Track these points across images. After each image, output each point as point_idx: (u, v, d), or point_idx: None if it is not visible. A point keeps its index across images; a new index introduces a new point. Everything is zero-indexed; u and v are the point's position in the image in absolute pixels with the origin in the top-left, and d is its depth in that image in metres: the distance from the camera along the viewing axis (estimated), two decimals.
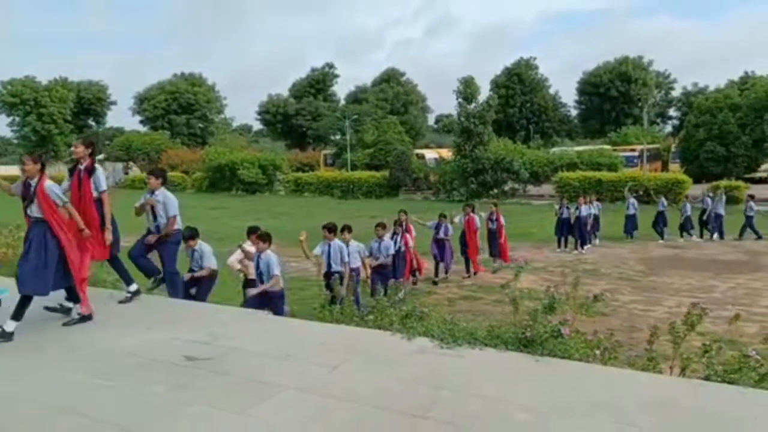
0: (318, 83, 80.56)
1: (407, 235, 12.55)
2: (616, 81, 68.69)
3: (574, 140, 67.69)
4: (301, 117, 76.26)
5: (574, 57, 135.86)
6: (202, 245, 8.31)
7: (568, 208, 17.73)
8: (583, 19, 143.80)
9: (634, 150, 40.35)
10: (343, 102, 78.97)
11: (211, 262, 8.25)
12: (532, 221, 23.32)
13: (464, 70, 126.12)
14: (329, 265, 9.09)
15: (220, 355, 4.97)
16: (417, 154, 44.68)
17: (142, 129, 70.96)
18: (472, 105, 34.91)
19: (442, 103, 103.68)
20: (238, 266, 8.50)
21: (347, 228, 9.80)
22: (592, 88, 71.03)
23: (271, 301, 7.29)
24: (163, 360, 4.88)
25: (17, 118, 66.07)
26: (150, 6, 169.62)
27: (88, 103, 73.70)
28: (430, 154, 46.38)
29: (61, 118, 66.83)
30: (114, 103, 77.10)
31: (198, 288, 8.15)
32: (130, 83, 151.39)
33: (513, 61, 74.39)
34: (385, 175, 38.36)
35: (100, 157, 62.49)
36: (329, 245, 9.13)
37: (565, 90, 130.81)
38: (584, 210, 17.47)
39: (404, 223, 12.51)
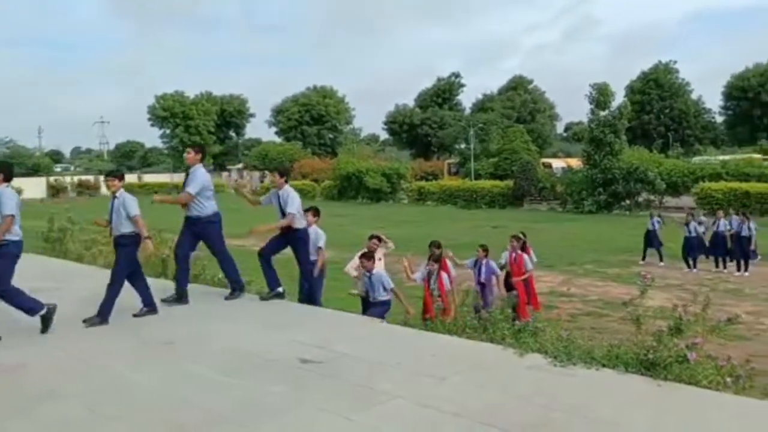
0: (444, 93, 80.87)
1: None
2: (767, 85, 62.71)
3: (720, 148, 62.57)
4: (426, 126, 76.94)
5: (721, 59, 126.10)
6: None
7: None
8: (730, 19, 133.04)
9: None
10: (468, 111, 78.67)
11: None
12: (668, 235, 21.84)
13: (600, 75, 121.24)
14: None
15: (333, 359, 5.13)
16: (544, 164, 43.46)
17: (277, 140, 75.00)
18: (605, 112, 33.38)
19: (574, 110, 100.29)
20: (355, 273, 8.70)
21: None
22: (739, 92, 65.40)
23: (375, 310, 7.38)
24: (281, 361, 5.12)
25: (167, 131, 72.30)
26: (287, 24, 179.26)
27: (230, 116, 79.20)
28: (557, 164, 44.92)
29: (205, 129, 72.37)
30: (253, 115, 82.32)
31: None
32: (267, 96, 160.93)
33: (650, 65, 70.30)
34: (510, 184, 37.64)
35: (239, 166, 66.94)
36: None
37: (710, 95, 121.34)
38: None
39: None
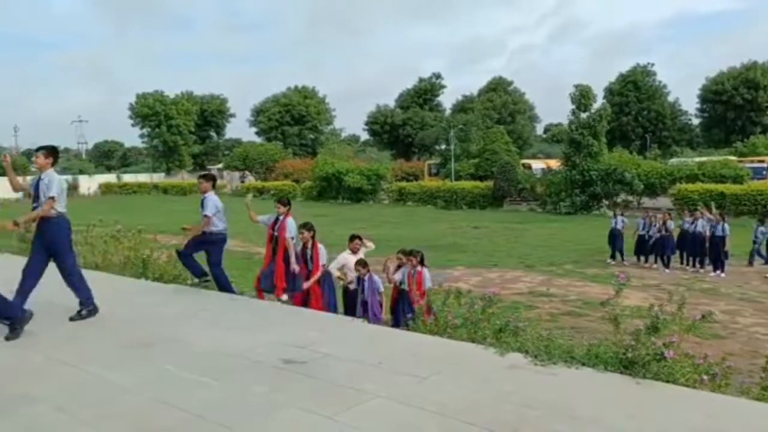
0: (425, 93, 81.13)
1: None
2: (741, 88, 63.90)
3: (696, 150, 63.57)
4: (407, 127, 77.11)
5: (697, 63, 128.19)
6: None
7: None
8: (706, 23, 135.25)
9: (763, 161, 37.22)
10: (449, 112, 78.98)
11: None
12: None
13: (580, 77, 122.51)
14: None
15: (315, 359, 5.12)
16: (523, 164, 43.75)
17: (258, 140, 74.61)
18: (585, 114, 33.73)
19: (554, 111, 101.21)
20: (338, 273, 8.72)
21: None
22: (714, 95, 66.52)
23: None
24: (264, 362, 5.11)
25: (148, 129, 71.57)
26: (266, 23, 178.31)
27: (210, 116, 78.65)
28: (537, 165, 45.27)
29: (186, 129, 71.73)
30: (233, 115, 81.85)
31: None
32: (248, 96, 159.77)
33: (628, 67, 71.20)
34: (490, 185, 37.84)
35: (219, 165, 66.47)
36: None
37: (687, 98, 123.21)
38: (699, 225, 16.02)
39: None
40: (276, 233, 8.20)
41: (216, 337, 5.99)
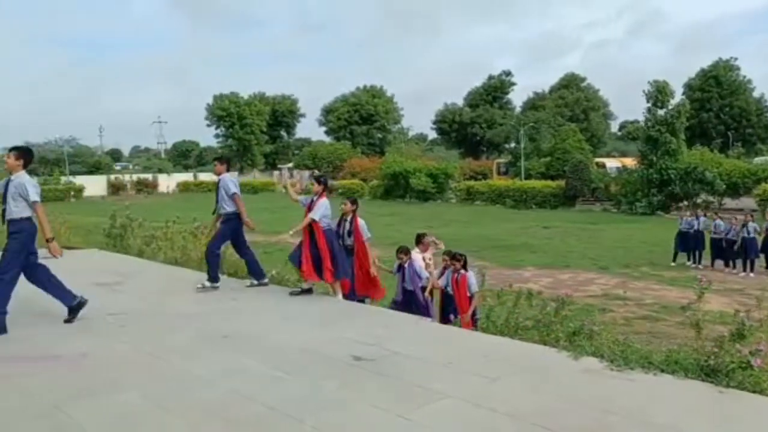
0: (495, 91, 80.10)
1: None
2: None
3: None
4: (476, 125, 76.37)
5: None
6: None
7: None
8: None
9: None
10: (519, 110, 77.66)
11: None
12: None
13: (659, 73, 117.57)
14: None
15: (385, 357, 5.17)
16: (597, 163, 42.50)
17: (327, 139, 75.76)
18: (662, 111, 32.43)
19: (630, 108, 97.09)
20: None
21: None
22: None
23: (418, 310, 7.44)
24: (334, 357, 5.20)
25: (222, 130, 74.00)
26: (336, 23, 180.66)
27: (281, 116, 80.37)
28: (611, 163, 43.85)
29: (258, 129, 73.69)
30: (303, 115, 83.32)
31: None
32: (317, 96, 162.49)
33: (710, 62, 67.91)
34: (561, 184, 36.99)
35: (290, 165, 67.96)
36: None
37: None
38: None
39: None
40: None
41: (286, 331, 6.15)
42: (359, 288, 7.93)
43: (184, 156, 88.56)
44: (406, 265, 8.02)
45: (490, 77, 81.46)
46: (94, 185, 52.88)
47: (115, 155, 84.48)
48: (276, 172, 67.26)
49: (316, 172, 57.80)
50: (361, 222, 8.08)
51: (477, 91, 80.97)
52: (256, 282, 8.27)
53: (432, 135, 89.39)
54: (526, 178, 43.60)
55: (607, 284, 13.64)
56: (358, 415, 4.02)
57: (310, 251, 7.48)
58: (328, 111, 78.08)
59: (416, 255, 8.27)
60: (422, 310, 7.66)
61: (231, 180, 8.30)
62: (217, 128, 74.59)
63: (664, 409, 3.99)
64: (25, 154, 6.33)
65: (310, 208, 7.68)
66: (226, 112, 72.32)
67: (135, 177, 60.63)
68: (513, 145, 59.71)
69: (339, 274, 7.53)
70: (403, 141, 68.80)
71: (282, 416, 3.99)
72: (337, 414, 4.03)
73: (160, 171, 65.89)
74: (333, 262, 7.42)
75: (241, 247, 8.40)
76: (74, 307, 6.44)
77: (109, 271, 9.54)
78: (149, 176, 61.41)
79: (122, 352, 5.53)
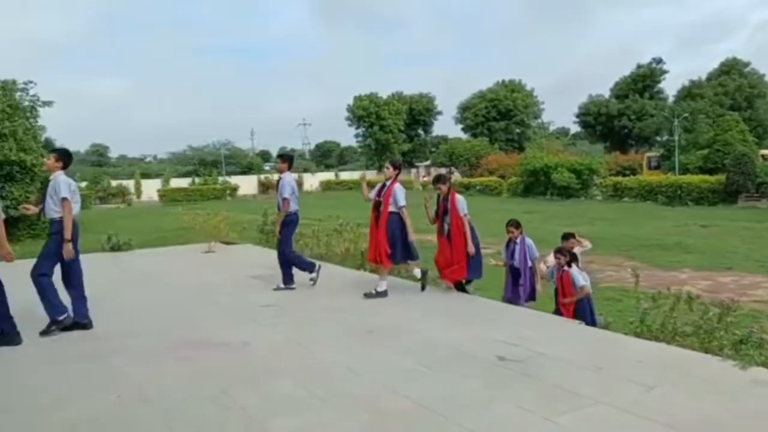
0: (644, 80, 75.18)
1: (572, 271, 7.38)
2: None
3: None
4: (623, 118, 72.21)
5: None
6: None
7: None
8: None
9: None
10: (671, 100, 72.23)
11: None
12: None
13: None
14: None
15: (530, 358, 5.06)
16: (763, 156, 38.45)
17: (464, 136, 75.40)
18: None
19: None
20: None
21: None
22: None
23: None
24: (477, 356, 5.17)
25: (362, 129, 76.33)
26: (473, 19, 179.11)
27: (418, 114, 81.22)
28: None
29: (396, 128, 75.11)
30: (440, 112, 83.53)
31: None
32: (454, 93, 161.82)
33: None
34: (721, 179, 33.89)
35: (427, 162, 68.58)
36: None
37: None
38: None
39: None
40: (381, 199, 7.79)
41: (429, 328, 6.22)
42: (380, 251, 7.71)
43: (326, 156, 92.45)
44: (518, 241, 7.76)
45: (639, 66, 76.55)
46: (247, 184, 56.83)
47: (265, 156, 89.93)
48: (413, 170, 68.10)
49: (453, 168, 57.87)
50: (459, 198, 7.90)
51: (625, 81, 76.41)
52: (282, 286, 8.33)
53: (575, 129, 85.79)
54: (680, 173, 40.48)
55: None
56: (503, 416, 3.97)
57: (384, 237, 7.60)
58: (464, 108, 77.63)
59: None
60: (526, 291, 7.49)
61: (288, 181, 8.29)
62: (357, 128, 77.00)
63: None
64: (64, 156, 6.52)
65: (379, 193, 7.74)
66: (366, 112, 74.42)
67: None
68: (665, 137, 55.67)
69: (397, 259, 7.72)
70: (544, 136, 66.61)
71: (427, 412, 4.04)
72: (482, 413, 4.01)
73: (305, 170, 69.29)
74: (393, 247, 7.59)
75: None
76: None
77: (262, 265, 10.24)
78: (295, 175, 64.68)
79: (277, 342, 5.90)
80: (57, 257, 6.23)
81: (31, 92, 17.91)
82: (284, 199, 8.18)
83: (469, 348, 5.40)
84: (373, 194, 7.95)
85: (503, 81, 77.39)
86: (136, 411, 4.20)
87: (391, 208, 7.64)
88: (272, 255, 11.65)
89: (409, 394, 4.35)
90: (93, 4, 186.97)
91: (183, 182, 54.86)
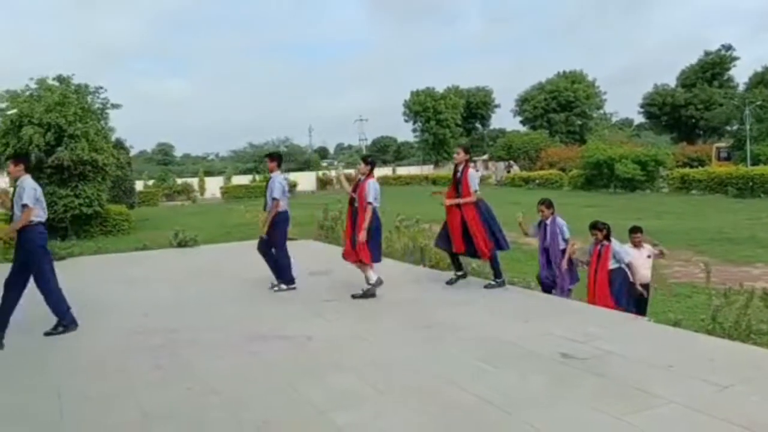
0: (713, 67, 72.02)
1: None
2: None
3: None
4: (691, 107, 69.41)
5: None
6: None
7: None
8: None
9: None
10: (743, 87, 68.88)
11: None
12: None
13: None
14: None
15: (597, 356, 4.94)
16: None
17: (522, 129, 74.19)
18: None
19: None
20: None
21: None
22: None
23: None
24: (540, 353, 5.10)
25: (419, 124, 76.15)
26: (530, 11, 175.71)
27: (476, 108, 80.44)
28: None
29: (453, 122, 74.60)
30: (498, 106, 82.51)
31: None
32: (512, 86, 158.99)
33: None
34: None
35: (484, 156, 67.85)
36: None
37: None
38: None
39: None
40: (356, 196, 7.56)
41: (490, 323, 6.18)
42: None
43: (382, 151, 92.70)
44: (548, 222, 7.57)
45: (707, 53, 73.37)
46: (305, 181, 57.64)
47: (322, 153, 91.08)
48: (471, 165, 67.52)
49: (512, 162, 57.05)
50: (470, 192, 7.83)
51: (692, 69, 73.39)
52: (277, 285, 8.20)
53: (639, 119, 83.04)
54: (753, 164, 38.63)
55: None
56: (571, 414, 3.90)
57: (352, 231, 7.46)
58: (523, 100, 76.35)
59: (630, 250, 7.60)
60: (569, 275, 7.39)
61: (279, 182, 8.18)
62: (414, 123, 76.86)
63: None
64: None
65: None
66: (423, 107, 74.17)
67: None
68: (735, 127, 53.20)
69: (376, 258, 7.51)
70: (606, 127, 64.76)
71: (492, 408, 4.02)
72: (549, 411, 3.95)
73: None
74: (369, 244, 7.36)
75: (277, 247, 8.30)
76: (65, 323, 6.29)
77: (321, 261, 10.39)
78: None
79: (339, 336, 5.98)
80: (48, 266, 6.21)
81: (102, 96, 18.72)
82: (274, 199, 8.13)
83: (532, 345, 5.33)
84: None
85: (563, 72, 75.67)
86: (206, 402, 4.35)
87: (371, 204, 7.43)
88: (332, 250, 11.82)
89: (472, 389, 4.33)
90: (155, 6, 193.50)
91: (244, 179, 56.09)
